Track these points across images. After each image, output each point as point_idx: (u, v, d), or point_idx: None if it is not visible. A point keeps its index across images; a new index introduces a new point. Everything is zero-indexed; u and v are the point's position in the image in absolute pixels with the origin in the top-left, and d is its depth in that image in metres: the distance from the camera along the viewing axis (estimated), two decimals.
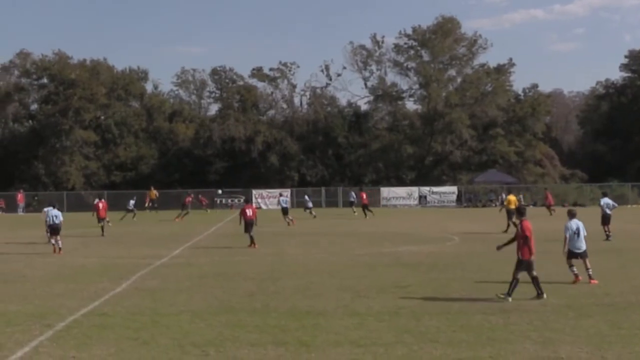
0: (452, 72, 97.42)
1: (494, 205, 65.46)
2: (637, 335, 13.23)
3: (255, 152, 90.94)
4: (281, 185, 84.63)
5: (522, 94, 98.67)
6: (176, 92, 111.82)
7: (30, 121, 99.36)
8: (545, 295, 16.71)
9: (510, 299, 16.44)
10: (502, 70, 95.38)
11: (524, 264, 16.76)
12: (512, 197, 40.14)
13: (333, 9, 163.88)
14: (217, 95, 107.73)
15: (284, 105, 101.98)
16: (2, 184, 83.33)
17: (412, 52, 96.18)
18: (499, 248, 17.83)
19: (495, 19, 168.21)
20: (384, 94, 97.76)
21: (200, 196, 70.90)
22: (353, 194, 63.49)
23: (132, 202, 58.55)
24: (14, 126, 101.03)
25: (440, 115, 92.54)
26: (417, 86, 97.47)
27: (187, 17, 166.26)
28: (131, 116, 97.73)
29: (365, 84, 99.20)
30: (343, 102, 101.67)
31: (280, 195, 56.54)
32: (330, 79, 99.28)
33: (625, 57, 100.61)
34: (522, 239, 16.83)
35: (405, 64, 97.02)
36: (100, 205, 41.54)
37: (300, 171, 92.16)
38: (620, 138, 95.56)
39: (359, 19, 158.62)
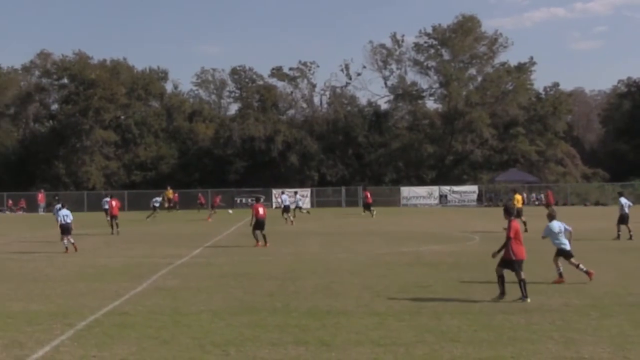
0: (472, 70, 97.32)
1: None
2: None
3: (275, 152, 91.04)
4: (301, 185, 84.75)
5: (543, 93, 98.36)
6: (196, 92, 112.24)
7: (50, 121, 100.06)
8: (529, 300, 16.47)
9: (528, 300, 16.32)
10: (523, 69, 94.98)
11: (516, 264, 16.59)
12: (518, 196, 40.24)
13: (353, 8, 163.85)
14: (236, 94, 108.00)
15: (304, 105, 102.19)
16: (23, 184, 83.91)
17: (432, 51, 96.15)
18: (494, 255, 17.33)
19: (516, 18, 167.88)
20: (404, 93, 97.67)
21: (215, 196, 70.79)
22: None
23: (158, 199, 59.13)
24: (35, 126, 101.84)
25: (461, 114, 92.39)
26: (437, 85, 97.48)
27: (207, 17, 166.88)
28: (151, 116, 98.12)
29: (385, 83, 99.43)
30: (363, 101, 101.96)
31: (282, 193, 56.16)
32: (350, 78, 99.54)
33: None
34: (507, 239, 16.67)
35: (425, 63, 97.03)
36: (114, 203, 41.84)
37: (320, 171, 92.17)
38: None
39: (379, 18, 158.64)
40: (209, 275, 22.00)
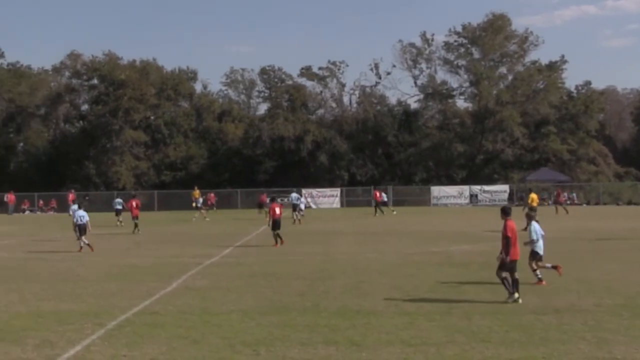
0: (503, 69, 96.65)
1: (546, 204, 64.76)
2: None
3: (305, 152, 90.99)
4: (331, 184, 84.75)
5: (574, 91, 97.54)
6: (225, 92, 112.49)
7: (81, 122, 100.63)
8: (520, 299, 16.30)
9: (516, 295, 16.20)
10: (554, 67, 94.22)
11: (507, 265, 16.43)
12: (533, 195, 40.21)
13: (382, 7, 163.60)
14: (266, 94, 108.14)
15: (333, 104, 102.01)
16: (53, 185, 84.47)
17: (462, 49, 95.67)
18: (498, 258, 17.10)
19: (547, 16, 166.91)
20: (434, 92, 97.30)
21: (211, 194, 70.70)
22: (384, 195, 64.78)
23: (200, 199, 59.57)
24: (65, 127, 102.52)
25: (491, 113, 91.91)
26: (467, 84, 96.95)
27: (236, 17, 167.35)
28: (181, 116, 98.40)
29: (415, 82, 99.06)
30: (393, 100, 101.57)
31: (293, 193, 56.57)
32: (380, 78, 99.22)
33: None
34: (504, 239, 16.52)
35: (455, 62, 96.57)
36: (134, 203, 42.22)
37: (350, 170, 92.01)
38: None
39: (409, 17, 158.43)
40: (238, 275, 22.03)
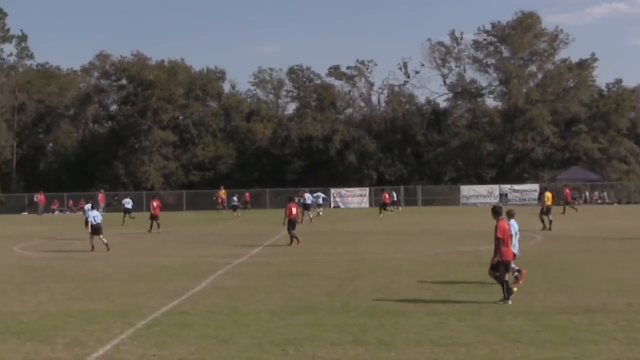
0: (532, 68, 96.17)
1: (577, 203, 64.23)
2: None
3: (334, 151, 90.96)
4: (359, 184, 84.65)
5: (605, 90, 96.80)
6: (254, 92, 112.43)
7: (110, 122, 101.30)
8: (510, 302, 16.09)
9: (510, 302, 15.99)
10: (584, 66, 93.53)
11: (502, 265, 16.24)
12: (549, 194, 39.96)
13: (411, 6, 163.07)
14: (294, 94, 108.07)
15: (362, 104, 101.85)
16: (83, 185, 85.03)
17: (491, 48, 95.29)
18: (493, 262, 16.87)
19: (577, 14, 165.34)
20: (464, 91, 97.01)
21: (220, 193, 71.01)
22: (395, 194, 65.82)
23: (235, 198, 59.93)
24: (94, 127, 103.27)
25: (521, 112, 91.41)
26: (497, 83, 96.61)
27: (264, 17, 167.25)
28: (209, 116, 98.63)
29: (444, 82, 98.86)
30: (422, 99, 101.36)
31: (305, 192, 56.91)
32: (409, 77, 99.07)
33: None
34: (495, 241, 16.35)
35: (484, 61, 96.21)
36: (155, 204, 42.54)
37: (379, 170, 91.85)
38: None
39: (437, 16, 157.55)
40: (267, 275, 22.02)
